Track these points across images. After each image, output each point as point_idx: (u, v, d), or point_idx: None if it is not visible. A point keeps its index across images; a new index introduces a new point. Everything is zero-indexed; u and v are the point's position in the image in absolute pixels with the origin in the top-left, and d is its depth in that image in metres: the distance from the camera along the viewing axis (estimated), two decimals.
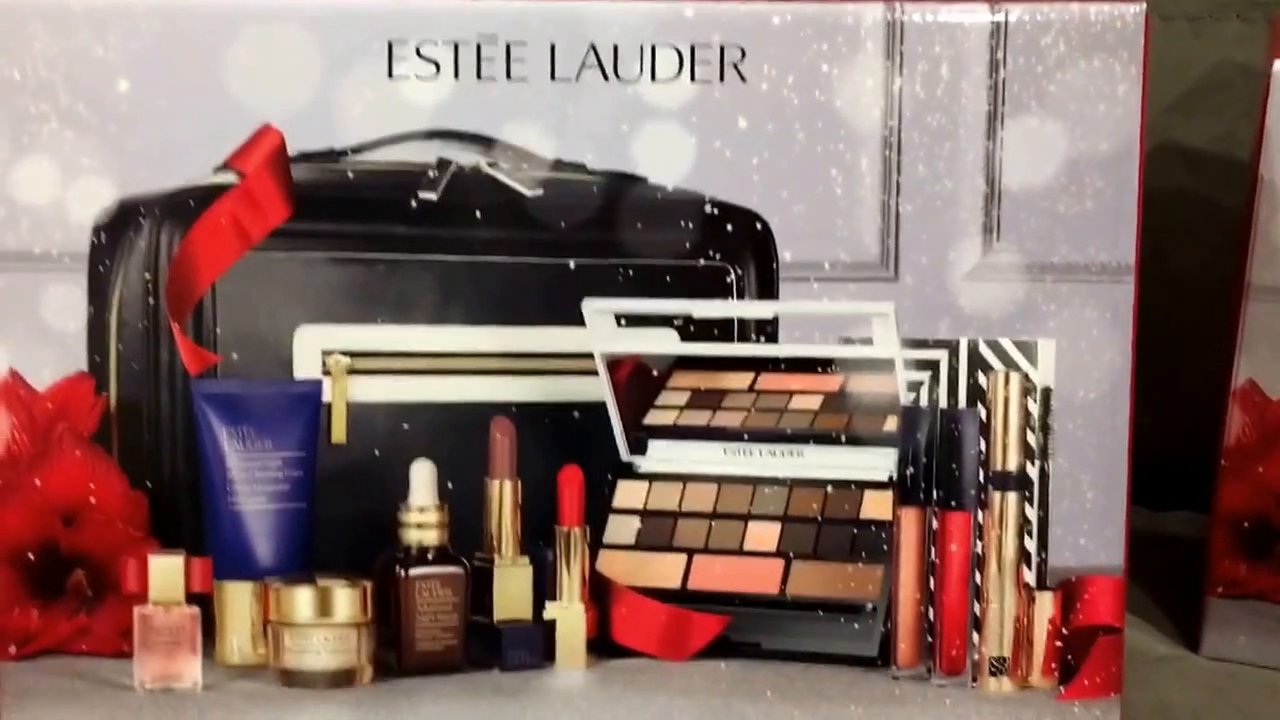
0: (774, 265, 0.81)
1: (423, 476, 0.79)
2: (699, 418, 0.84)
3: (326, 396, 0.81)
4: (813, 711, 0.77)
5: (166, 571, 0.78)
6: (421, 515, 0.79)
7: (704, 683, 0.79)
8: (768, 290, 0.82)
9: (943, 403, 0.79)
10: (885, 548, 0.79)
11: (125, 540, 0.79)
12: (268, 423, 0.80)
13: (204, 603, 0.78)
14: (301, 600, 0.78)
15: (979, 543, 0.79)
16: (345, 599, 0.78)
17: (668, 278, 0.82)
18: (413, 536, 0.80)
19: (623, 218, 0.80)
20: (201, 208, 0.79)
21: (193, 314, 0.80)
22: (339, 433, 0.82)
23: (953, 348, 0.80)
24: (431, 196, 0.80)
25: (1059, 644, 0.79)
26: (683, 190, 0.79)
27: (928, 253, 0.80)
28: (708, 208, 0.80)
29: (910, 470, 0.79)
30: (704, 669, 0.79)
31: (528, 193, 0.80)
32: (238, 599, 0.80)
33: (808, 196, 0.79)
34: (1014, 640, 0.79)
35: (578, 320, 0.81)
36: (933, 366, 0.80)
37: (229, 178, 0.79)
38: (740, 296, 0.82)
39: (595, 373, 0.82)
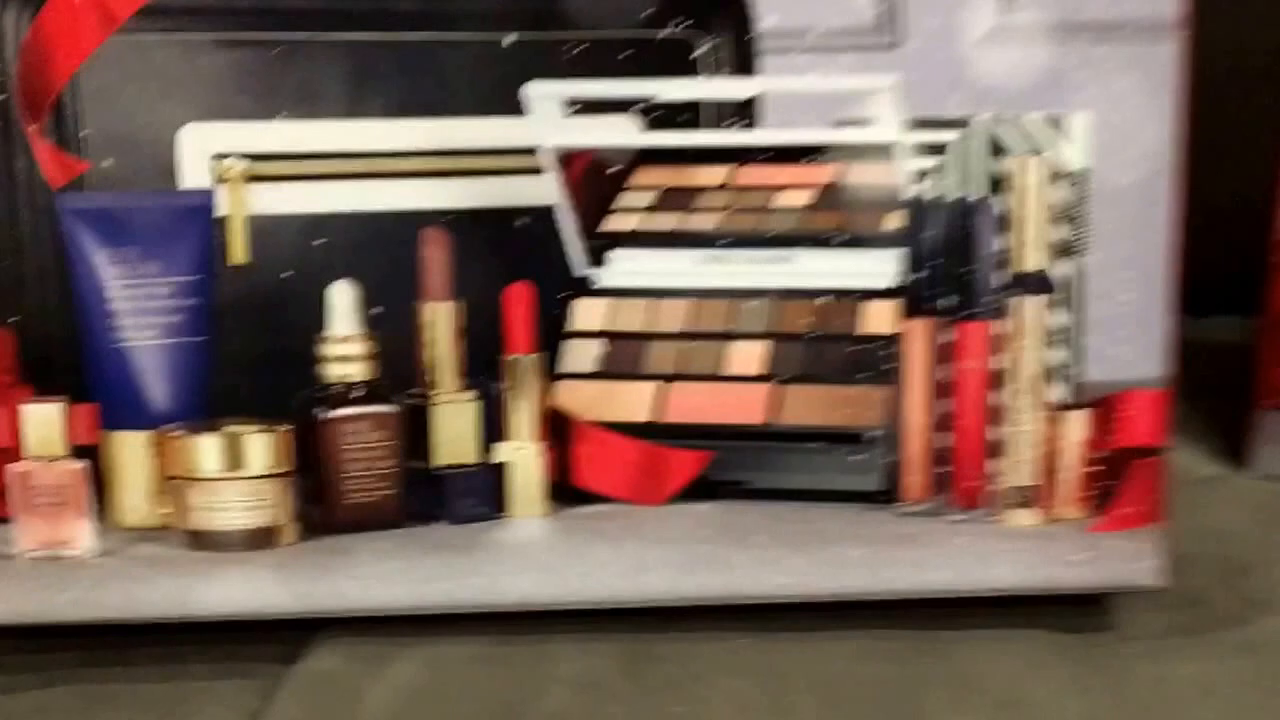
0: (750, 34, 0.74)
1: (343, 301, 0.75)
2: (667, 221, 0.79)
3: (222, 209, 0.76)
4: (810, 556, 0.71)
5: (43, 421, 0.73)
6: (344, 347, 0.75)
7: (683, 529, 0.73)
8: (744, 65, 0.76)
9: (954, 194, 0.74)
10: (888, 366, 0.74)
11: None
12: (153, 242, 0.75)
13: (91, 456, 0.74)
14: (207, 450, 0.73)
15: (997, 357, 0.73)
16: (259, 447, 0.73)
17: (625, 54, 0.76)
18: (334, 371, 0.75)
19: None
20: None
21: (52, 113, 0.75)
22: (239, 252, 0.77)
23: (965, 128, 0.74)
24: None
25: (1092, 470, 0.73)
26: None
27: (934, 13, 0.74)
28: None
29: (917, 275, 0.74)
30: (682, 513, 0.75)
31: None
32: (131, 451, 0.76)
33: None
34: (1040, 468, 0.74)
35: (519, 109, 0.75)
36: (941, 151, 0.74)
37: None
38: (712, 74, 0.77)
39: (543, 171, 0.76)
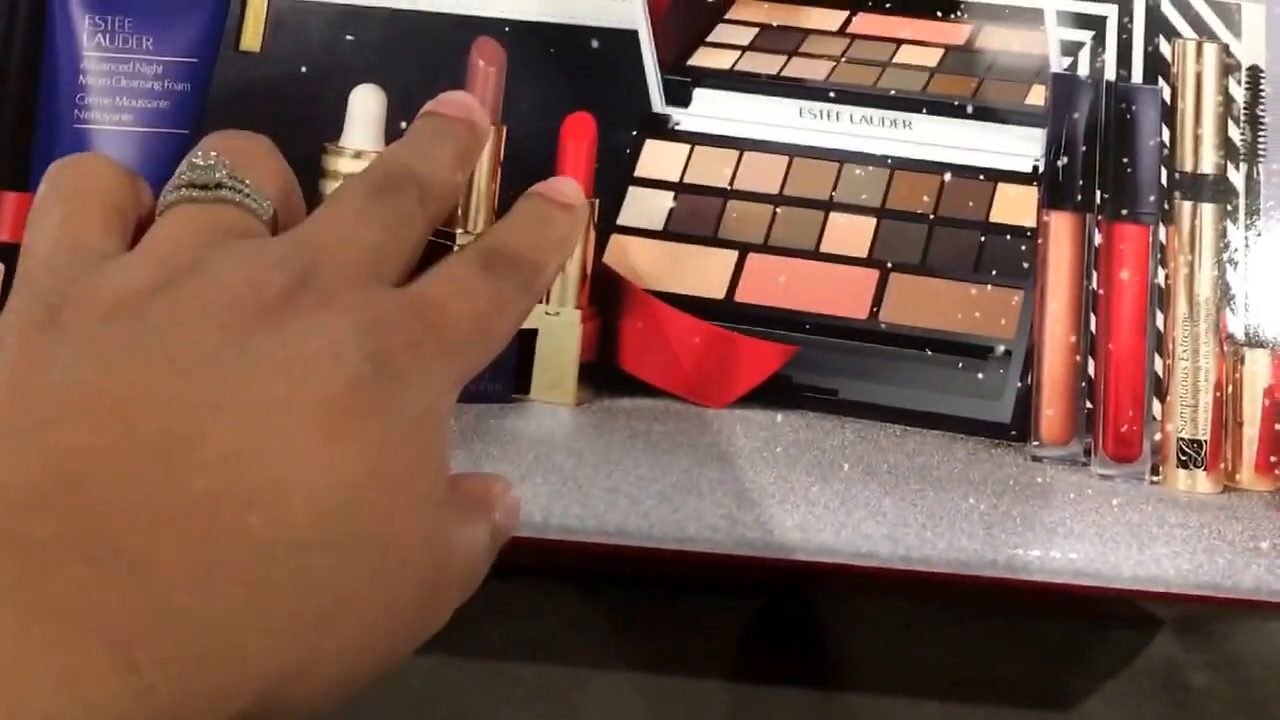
0: None
1: (365, 109, 0.61)
2: (768, 63, 0.62)
3: None
4: (911, 500, 0.55)
5: None
6: (357, 163, 0.60)
7: (750, 443, 0.57)
8: None
9: (1109, 74, 0.60)
10: (1026, 265, 0.59)
11: None
12: (151, 14, 0.60)
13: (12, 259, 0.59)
14: None
15: (1161, 271, 0.59)
16: None
17: None
18: None
19: None
20: None
21: None
22: (252, 36, 0.61)
23: (1125, 2, 0.61)
24: None
25: None
26: None
27: None
28: None
29: (1063, 161, 0.59)
30: (750, 422, 0.58)
31: None
32: None
33: None
34: (1213, 417, 0.58)
35: None
36: (1097, 25, 0.61)
37: None
38: None
39: None
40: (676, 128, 0.62)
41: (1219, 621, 0.63)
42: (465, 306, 0.42)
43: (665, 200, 0.62)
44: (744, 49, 0.63)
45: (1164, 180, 0.59)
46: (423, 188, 0.45)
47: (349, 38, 0.61)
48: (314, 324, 0.39)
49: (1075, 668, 0.62)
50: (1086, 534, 0.55)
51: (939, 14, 0.62)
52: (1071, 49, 0.61)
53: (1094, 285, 0.59)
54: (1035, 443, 0.58)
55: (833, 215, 0.61)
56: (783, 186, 0.62)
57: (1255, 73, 0.59)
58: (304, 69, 0.61)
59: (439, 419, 0.41)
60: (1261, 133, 0.59)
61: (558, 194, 0.48)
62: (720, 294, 0.60)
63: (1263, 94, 0.59)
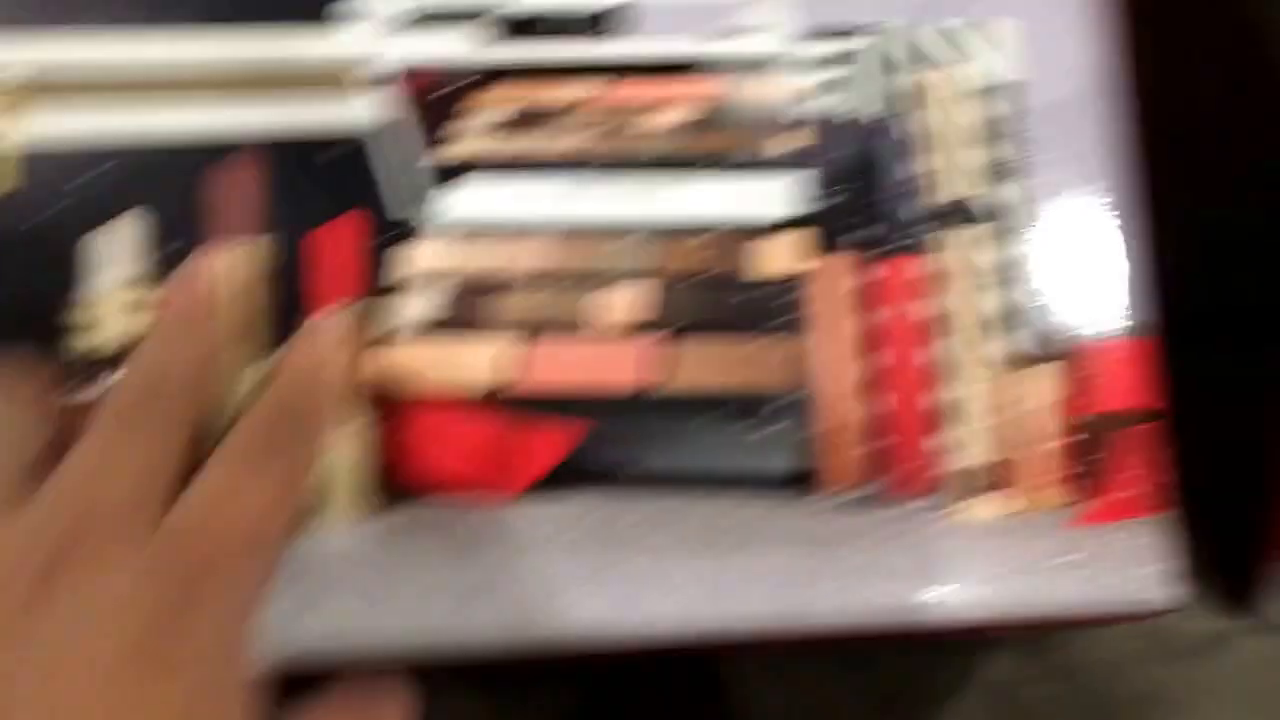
0: None
1: (120, 246, 0.56)
2: (524, 144, 0.60)
3: None
4: (714, 562, 0.54)
5: None
6: (122, 294, 0.56)
7: (546, 530, 0.55)
8: None
9: (861, 112, 0.59)
10: (797, 314, 0.57)
11: None
12: None
13: None
14: None
15: (934, 300, 0.57)
16: None
17: None
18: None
19: None
20: None
21: None
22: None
23: (876, 36, 0.60)
24: None
25: (1073, 441, 0.56)
26: None
27: None
28: None
29: (825, 204, 0.58)
30: (545, 509, 0.56)
31: None
32: None
33: None
34: (1002, 439, 0.56)
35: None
36: (843, 63, 0.60)
37: None
38: None
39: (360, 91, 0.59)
40: (437, 223, 0.60)
41: (1048, 635, 0.62)
42: (241, 519, 0.40)
43: (433, 298, 0.59)
44: (497, 131, 0.60)
45: (925, 209, 0.58)
46: (176, 392, 0.43)
47: (95, 175, 0.58)
48: (88, 592, 0.37)
49: (916, 701, 0.61)
50: (894, 573, 0.54)
51: (687, 73, 0.60)
52: (820, 91, 0.60)
53: (869, 323, 0.58)
54: (830, 490, 0.56)
55: (604, 288, 0.59)
56: (551, 266, 0.59)
57: (1005, 91, 0.59)
58: (56, 210, 0.58)
59: (238, 646, 0.39)
60: (1016, 151, 0.58)
61: (315, 339, 0.46)
62: (500, 384, 0.58)
63: (1015, 112, 0.59)
